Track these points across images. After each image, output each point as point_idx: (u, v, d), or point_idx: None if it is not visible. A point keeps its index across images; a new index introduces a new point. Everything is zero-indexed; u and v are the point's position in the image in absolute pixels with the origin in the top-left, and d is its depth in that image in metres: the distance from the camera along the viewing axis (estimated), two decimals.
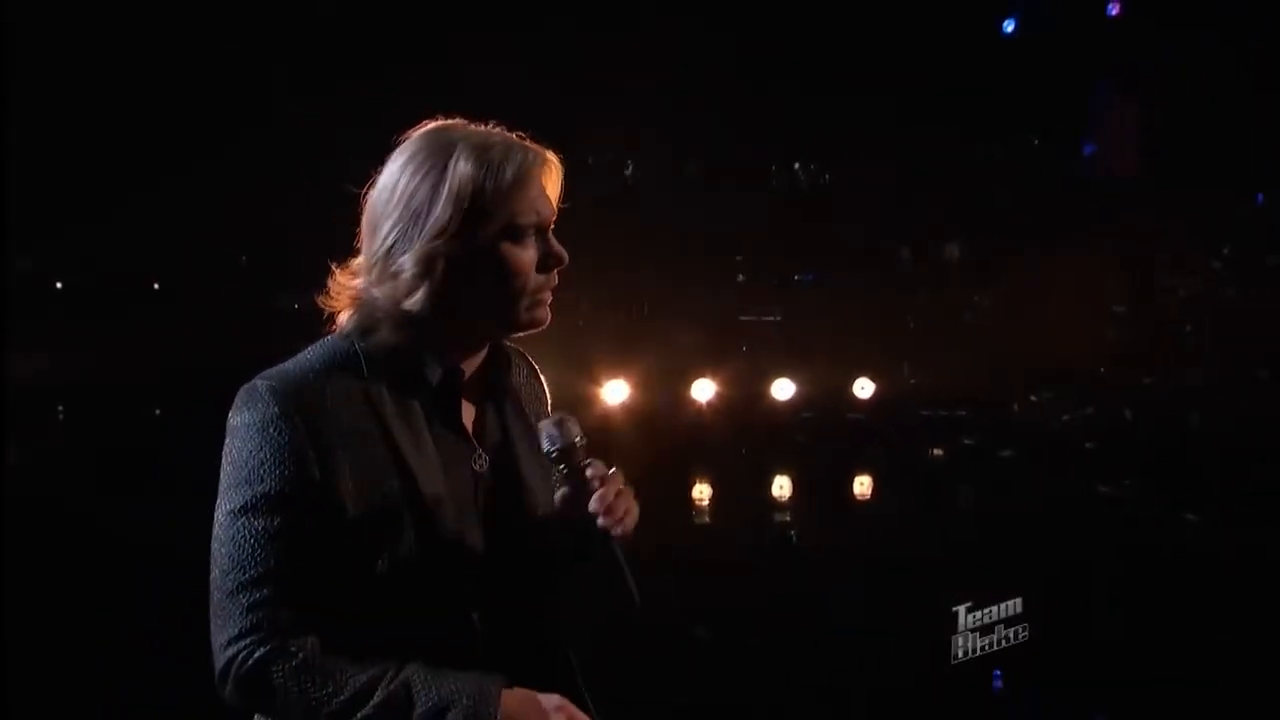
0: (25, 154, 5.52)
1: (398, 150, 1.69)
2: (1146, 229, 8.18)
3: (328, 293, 1.73)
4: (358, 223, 1.72)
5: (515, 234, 1.67)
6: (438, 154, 1.65)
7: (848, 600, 5.40)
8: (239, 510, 1.59)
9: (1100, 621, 5.26)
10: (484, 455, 1.76)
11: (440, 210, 1.62)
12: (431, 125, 1.71)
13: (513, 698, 1.59)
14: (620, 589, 1.69)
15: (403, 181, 1.65)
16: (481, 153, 1.64)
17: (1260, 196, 8.96)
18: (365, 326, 1.70)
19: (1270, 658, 4.55)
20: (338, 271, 1.73)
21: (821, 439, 8.44)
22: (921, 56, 7.89)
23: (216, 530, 1.61)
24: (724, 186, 8.68)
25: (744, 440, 8.29)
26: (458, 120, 1.72)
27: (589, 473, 1.69)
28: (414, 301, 1.65)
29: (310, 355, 1.69)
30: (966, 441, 8.54)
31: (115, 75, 6.53)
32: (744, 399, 8.34)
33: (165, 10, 6.47)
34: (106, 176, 6.75)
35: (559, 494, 1.72)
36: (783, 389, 8.40)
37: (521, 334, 1.76)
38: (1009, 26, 8.90)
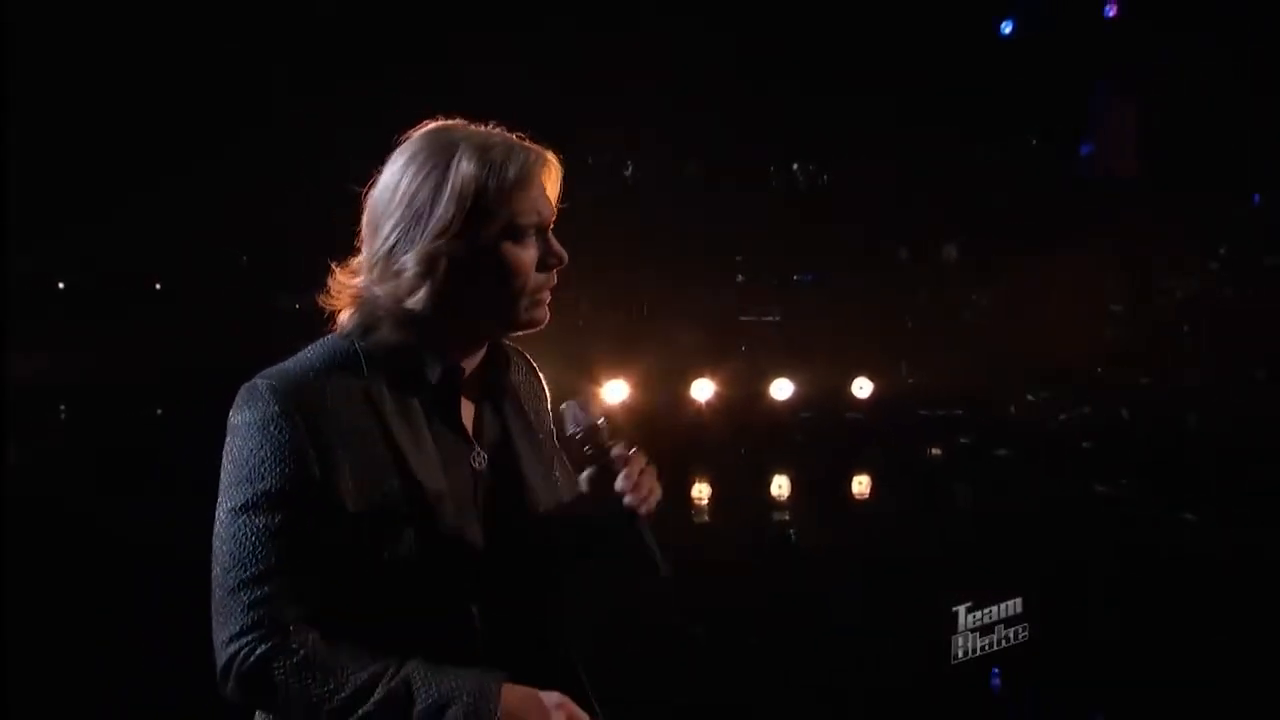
0: (26, 154, 5.52)
1: (399, 150, 1.70)
2: (1144, 229, 8.20)
3: (328, 292, 1.74)
4: (358, 222, 1.72)
5: (516, 234, 1.68)
6: (440, 154, 1.65)
7: (847, 600, 5.39)
8: (240, 508, 1.60)
9: (1098, 621, 5.26)
10: (483, 453, 1.76)
11: (443, 210, 1.63)
12: (432, 125, 1.72)
13: (513, 695, 1.59)
14: (649, 566, 1.72)
15: (405, 181, 1.65)
16: (484, 153, 1.65)
17: (1257, 197, 8.98)
18: (366, 325, 1.70)
19: (1269, 658, 4.55)
20: (338, 270, 1.74)
21: (820, 439, 8.46)
22: (920, 57, 7.91)
23: (217, 528, 1.62)
24: (724, 186, 8.70)
25: (743, 440, 8.30)
26: (458, 120, 1.72)
27: (614, 452, 1.73)
28: (416, 300, 1.65)
29: (310, 354, 1.70)
30: (964, 441, 8.55)
31: (115, 75, 6.54)
32: (743, 399, 8.35)
33: (165, 10, 6.47)
34: (107, 176, 6.76)
35: (584, 475, 1.75)
36: (782, 389, 8.41)
37: (521, 333, 1.77)
38: (1007, 27, 8.92)
